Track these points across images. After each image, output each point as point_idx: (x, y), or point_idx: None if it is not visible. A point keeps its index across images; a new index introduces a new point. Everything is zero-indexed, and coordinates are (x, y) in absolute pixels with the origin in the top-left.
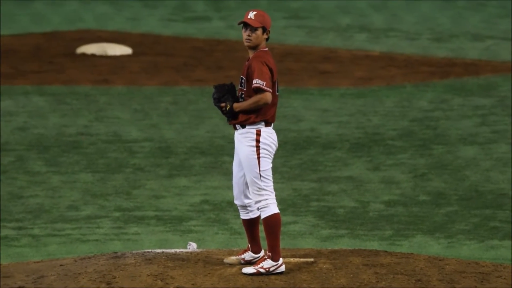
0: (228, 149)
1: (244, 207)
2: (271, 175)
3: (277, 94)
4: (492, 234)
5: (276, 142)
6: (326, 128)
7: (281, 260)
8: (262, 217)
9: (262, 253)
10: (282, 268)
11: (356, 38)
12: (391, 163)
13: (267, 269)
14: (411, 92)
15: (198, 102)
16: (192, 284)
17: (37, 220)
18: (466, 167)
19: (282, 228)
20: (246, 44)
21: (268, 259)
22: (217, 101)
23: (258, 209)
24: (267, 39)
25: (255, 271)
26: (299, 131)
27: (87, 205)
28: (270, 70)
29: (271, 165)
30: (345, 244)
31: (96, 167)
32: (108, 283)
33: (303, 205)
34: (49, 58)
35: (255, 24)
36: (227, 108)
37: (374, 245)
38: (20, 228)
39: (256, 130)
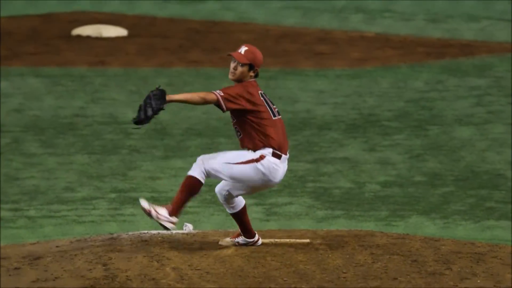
0: (223, 130)
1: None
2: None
3: (274, 118)
4: (488, 214)
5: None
6: (322, 109)
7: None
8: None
9: (256, 237)
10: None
11: (351, 19)
12: (387, 144)
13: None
14: (407, 73)
15: (193, 84)
16: (188, 265)
17: (33, 202)
18: (462, 148)
19: (278, 209)
20: (229, 76)
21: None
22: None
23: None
24: (255, 76)
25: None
26: (294, 112)
27: (83, 186)
28: (249, 94)
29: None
30: (341, 225)
31: (92, 149)
32: (104, 265)
33: (299, 186)
34: (45, 40)
35: (241, 60)
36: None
37: (370, 226)
38: (16, 210)
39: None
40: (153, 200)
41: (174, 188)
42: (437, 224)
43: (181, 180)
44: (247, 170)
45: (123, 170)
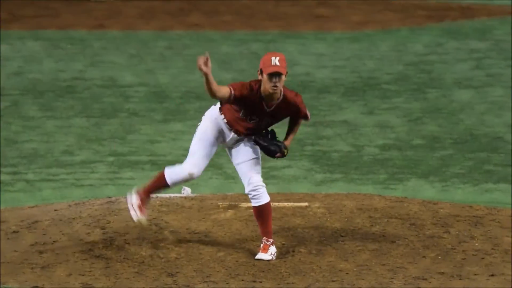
0: None
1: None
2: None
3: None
4: (487, 177)
5: None
6: (321, 72)
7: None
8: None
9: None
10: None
11: None
12: (386, 107)
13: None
14: (406, 36)
15: (193, 47)
16: (187, 229)
17: (32, 165)
18: (461, 111)
19: (277, 172)
20: (273, 91)
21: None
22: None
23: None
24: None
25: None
26: (294, 75)
27: (82, 150)
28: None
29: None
30: (339, 188)
31: (91, 112)
32: (102, 228)
33: (297, 150)
34: (44, 3)
35: (283, 71)
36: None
37: (368, 189)
38: (14, 173)
39: None
40: (152, 164)
41: (173, 151)
42: (435, 187)
43: (179, 143)
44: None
45: (122, 133)
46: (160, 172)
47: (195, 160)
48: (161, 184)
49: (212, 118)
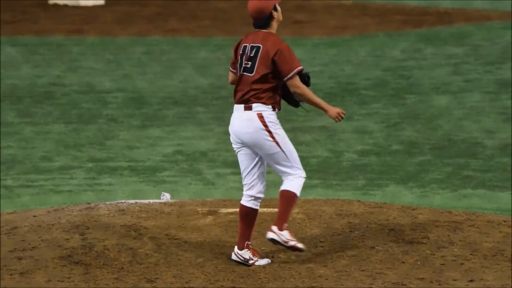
0: (201, 99)
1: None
2: (243, 169)
3: (238, 73)
4: (465, 183)
5: (230, 128)
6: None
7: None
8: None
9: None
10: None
11: None
12: (364, 113)
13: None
14: (384, 41)
15: (171, 53)
16: (166, 235)
17: (10, 171)
18: (439, 116)
19: None
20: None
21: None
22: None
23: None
24: (253, 25)
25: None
26: None
27: (60, 156)
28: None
29: (237, 155)
30: (318, 194)
31: (69, 118)
32: (81, 234)
33: None
34: (22, 9)
35: None
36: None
37: (347, 195)
38: None
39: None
40: (130, 170)
41: (151, 157)
42: (414, 193)
43: (158, 149)
44: None
45: (100, 139)
46: (289, 194)
47: (299, 162)
48: (294, 205)
49: (275, 121)
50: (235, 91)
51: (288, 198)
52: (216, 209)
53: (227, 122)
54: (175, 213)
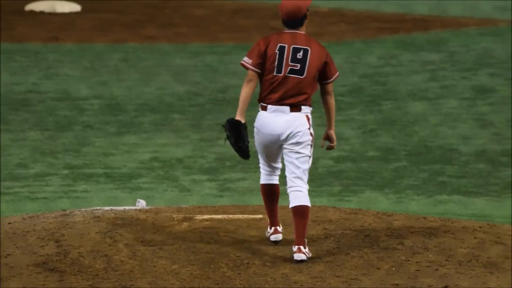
0: (177, 106)
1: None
2: (265, 159)
3: (276, 74)
4: (441, 189)
5: (264, 127)
6: None
7: (273, 228)
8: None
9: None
10: (276, 237)
11: None
12: (341, 119)
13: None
14: (361, 48)
15: (148, 60)
16: (141, 241)
17: None
18: (415, 123)
19: (231, 185)
20: None
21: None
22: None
23: None
24: (285, 24)
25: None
26: None
27: (36, 163)
28: (258, 46)
29: (261, 148)
30: None
31: (46, 125)
32: (56, 241)
33: (252, 162)
34: None
35: None
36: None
37: (323, 201)
38: None
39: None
40: (106, 177)
41: (127, 164)
42: (390, 199)
43: (134, 156)
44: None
45: (76, 146)
46: (305, 208)
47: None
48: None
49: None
50: (270, 92)
51: (306, 212)
52: (191, 215)
53: (203, 129)
54: (150, 220)
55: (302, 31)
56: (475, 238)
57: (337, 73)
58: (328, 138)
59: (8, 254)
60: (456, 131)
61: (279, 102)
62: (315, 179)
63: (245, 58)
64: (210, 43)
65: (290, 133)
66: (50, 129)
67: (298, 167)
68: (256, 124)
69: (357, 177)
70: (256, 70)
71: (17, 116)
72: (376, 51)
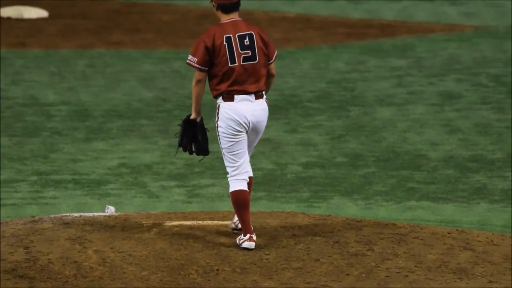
0: (145, 112)
1: None
2: (238, 152)
3: (231, 65)
4: (409, 195)
5: (241, 117)
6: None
7: (248, 235)
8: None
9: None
10: (250, 244)
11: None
12: (309, 125)
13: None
14: (328, 53)
15: (115, 65)
16: (111, 248)
17: None
18: (383, 129)
19: (201, 191)
20: None
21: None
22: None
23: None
24: (223, 11)
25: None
26: None
27: (4, 169)
28: (203, 43)
29: (233, 142)
30: (263, 206)
31: (13, 131)
32: (25, 248)
33: (221, 168)
34: None
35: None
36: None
37: (292, 207)
38: None
39: (217, 105)
40: (75, 183)
41: (95, 170)
42: (359, 205)
43: (103, 162)
44: (219, 130)
45: (44, 152)
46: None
47: None
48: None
49: None
50: (234, 83)
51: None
52: (160, 222)
53: (171, 135)
54: (119, 226)
55: (237, 17)
56: (444, 244)
57: (276, 52)
58: None
59: None
60: (424, 137)
61: (244, 91)
62: (284, 185)
63: (190, 57)
64: (177, 48)
65: (262, 126)
66: (18, 135)
67: (252, 149)
68: (224, 115)
69: (326, 183)
70: (204, 69)
71: None
72: (343, 56)
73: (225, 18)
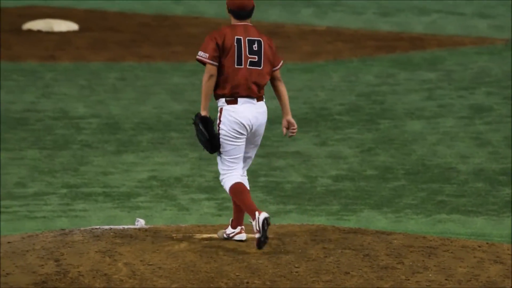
0: (175, 124)
1: None
2: (236, 157)
3: (237, 66)
4: (439, 208)
5: (245, 120)
6: (273, 103)
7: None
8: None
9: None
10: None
11: (302, 13)
12: (338, 138)
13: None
14: (358, 66)
15: (145, 78)
16: (140, 261)
17: None
18: (413, 142)
19: (230, 204)
20: None
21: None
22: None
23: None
24: (235, 17)
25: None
26: None
27: (35, 182)
28: (214, 39)
29: (234, 146)
30: (292, 219)
31: (43, 144)
32: (56, 260)
33: (250, 181)
34: None
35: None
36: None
37: (321, 220)
38: None
39: (219, 108)
40: (105, 196)
41: (125, 183)
42: (388, 218)
43: (132, 175)
44: (221, 133)
45: (74, 165)
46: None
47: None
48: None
49: None
50: (238, 85)
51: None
52: (190, 234)
53: (201, 148)
54: (149, 239)
55: (250, 23)
56: (474, 257)
57: (282, 61)
58: (287, 124)
59: (7, 273)
60: (454, 150)
61: (245, 94)
62: (314, 198)
63: (201, 53)
64: None
65: (262, 130)
66: (48, 148)
67: (254, 155)
68: (227, 118)
69: (356, 196)
70: (215, 63)
71: (14, 135)
72: (373, 69)
73: (236, 22)
